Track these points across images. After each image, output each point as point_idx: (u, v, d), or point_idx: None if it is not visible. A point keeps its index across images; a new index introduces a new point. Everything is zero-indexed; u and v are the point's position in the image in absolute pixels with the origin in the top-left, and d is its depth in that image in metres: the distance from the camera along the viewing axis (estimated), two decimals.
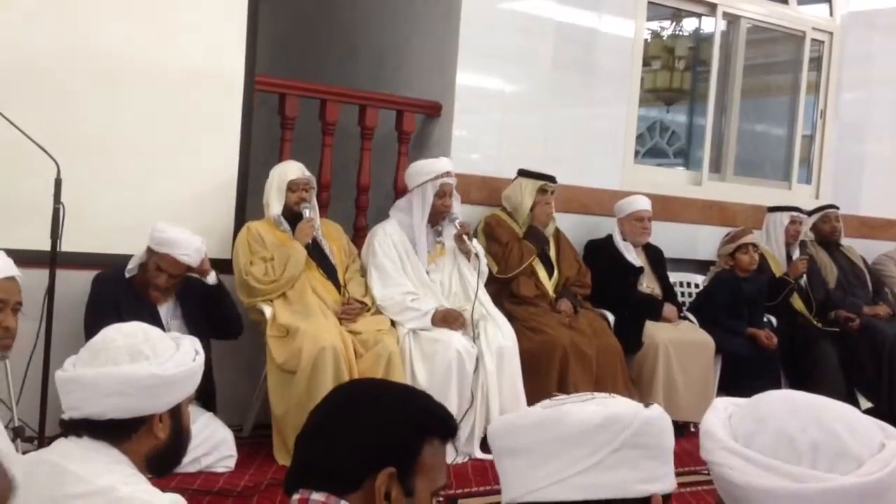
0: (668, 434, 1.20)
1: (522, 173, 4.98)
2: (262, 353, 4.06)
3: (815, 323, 5.63)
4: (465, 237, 4.48)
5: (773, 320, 5.54)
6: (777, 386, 5.37)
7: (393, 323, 4.26)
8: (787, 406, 1.13)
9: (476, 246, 4.56)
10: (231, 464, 3.74)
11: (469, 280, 4.54)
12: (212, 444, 3.68)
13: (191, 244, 3.75)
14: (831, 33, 6.58)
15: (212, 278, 3.92)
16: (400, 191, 5.03)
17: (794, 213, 5.83)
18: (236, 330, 4.04)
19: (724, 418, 1.16)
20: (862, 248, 6.34)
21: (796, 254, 5.79)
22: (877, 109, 6.80)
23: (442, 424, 1.43)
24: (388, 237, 4.46)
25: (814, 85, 6.65)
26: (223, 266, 4.26)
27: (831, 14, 6.60)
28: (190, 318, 3.84)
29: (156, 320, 3.56)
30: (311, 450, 1.41)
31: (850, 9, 6.59)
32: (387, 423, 1.38)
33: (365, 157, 5.00)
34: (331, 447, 1.38)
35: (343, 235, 4.56)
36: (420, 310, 4.29)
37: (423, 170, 4.51)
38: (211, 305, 3.92)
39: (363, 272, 4.46)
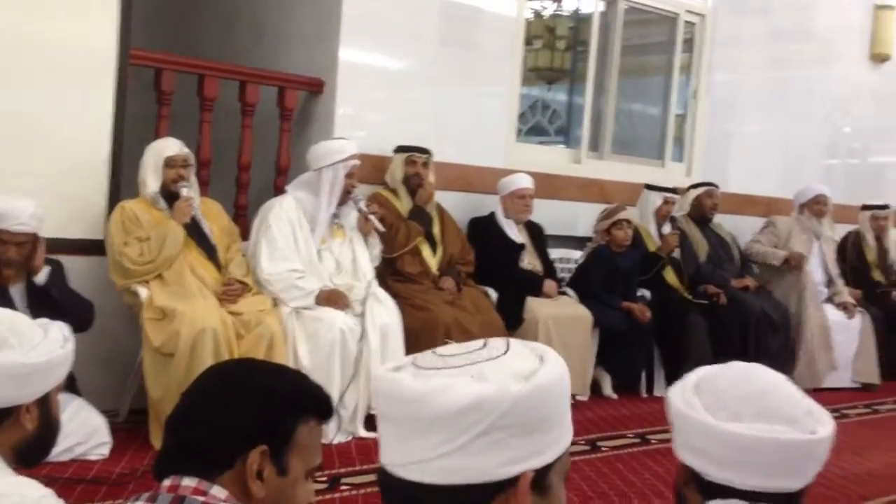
0: (551, 403, 1.10)
1: (397, 149, 5.02)
2: (138, 335, 3.96)
3: (686, 296, 5.86)
4: (372, 217, 4.50)
5: (647, 294, 5.75)
6: (650, 357, 5.59)
7: (275, 303, 4.22)
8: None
9: (381, 226, 4.58)
10: (105, 451, 3.64)
11: (361, 262, 4.54)
12: (85, 432, 3.56)
13: (23, 211, 3.52)
14: (703, 16, 6.81)
15: (41, 277, 3.63)
16: (282, 169, 4.97)
17: (668, 195, 6.03)
18: (84, 326, 3.66)
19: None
20: (730, 224, 6.62)
21: (667, 229, 6.00)
22: (745, 90, 7.09)
23: (318, 404, 1.43)
24: (283, 212, 4.42)
25: (687, 66, 6.87)
26: (96, 247, 4.14)
27: None
28: (43, 301, 3.58)
29: (7, 303, 3.37)
30: (180, 433, 1.39)
31: None
32: (259, 402, 1.37)
33: (246, 135, 4.92)
34: (201, 429, 1.36)
35: (224, 214, 4.48)
36: (305, 289, 4.26)
37: (336, 150, 4.49)
38: (47, 306, 3.42)
39: (244, 252, 4.40)
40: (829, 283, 6.69)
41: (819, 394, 6.10)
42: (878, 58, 7.82)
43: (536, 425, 1.08)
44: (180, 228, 4.07)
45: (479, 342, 1.14)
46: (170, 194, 4.17)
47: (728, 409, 1.31)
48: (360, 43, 5.12)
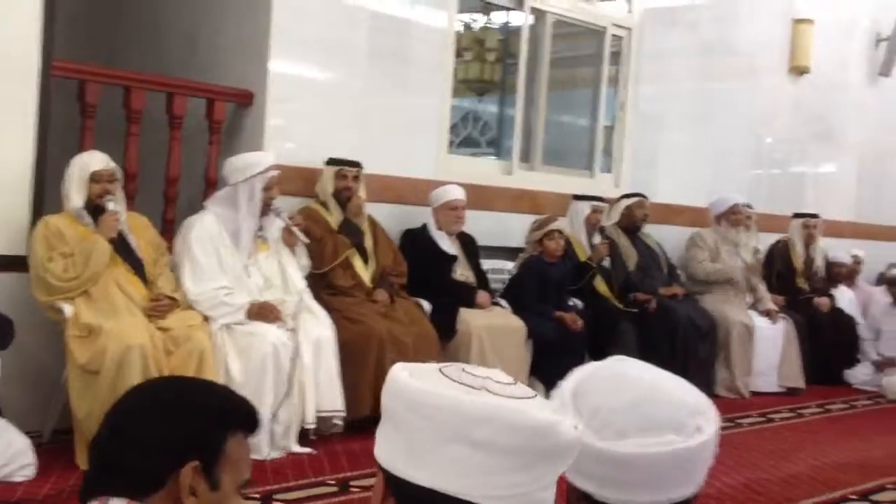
0: None
1: (328, 162, 5.00)
2: (62, 353, 3.86)
3: (617, 305, 5.95)
4: (295, 229, 4.44)
5: (579, 303, 5.81)
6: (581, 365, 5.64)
7: (205, 318, 4.16)
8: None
9: (305, 238, 4.53)
10: (30, 472, 3.54)
11: (290, 273, 4.49)
12: (9, 453, 3.46)
13: None
14: (630, 29, 6.92)
15: None
16: (212, 182, 4.91)
17: (596, 203, 6.15)
18: (2, 344, 3.57)
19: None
20: (657, 234, 6.74)
21: (597, 239, 6.09)
22: (671, 102, 7.22)
23: (245, 417, 1.42)
24: (204, 230, 4.35)
25: (614, 78, 6.98)
26: (18, 263, 4.03)
27: (630, 10, 6.95)
28: None
29: None
30: (107, 454, 1.37)
31: (647, 6, 6.96)
32: (186, 417, 1.36)
33: (174, 147, 4.85)
34: (129, 447, 1.35)
35: (151, 228, 4.39)
36: (233, 304, 4.21)
37: (252, 164, 4.43)
38: None
39: (173, 266, 4.32)
40: (751, 289, 6.87)
41: (744, 399, 6.25)
42: (798, 70, 8.06)
43: None
44: (106, 243, 3.98)
45: (508, 377, 1.12)
46: (95, 208, 4.08)
47: (612, 427, 1.23)
48: (290, 54, 5.09)
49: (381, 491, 1.08)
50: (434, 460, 1.03)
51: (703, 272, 6.66)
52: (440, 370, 1.09)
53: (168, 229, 4.73)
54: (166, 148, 4.84)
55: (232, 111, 5.07)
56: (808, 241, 7.43)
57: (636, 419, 1.22)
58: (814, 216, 7.48)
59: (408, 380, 1.07)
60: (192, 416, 1.37)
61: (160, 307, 4.03)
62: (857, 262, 8.17)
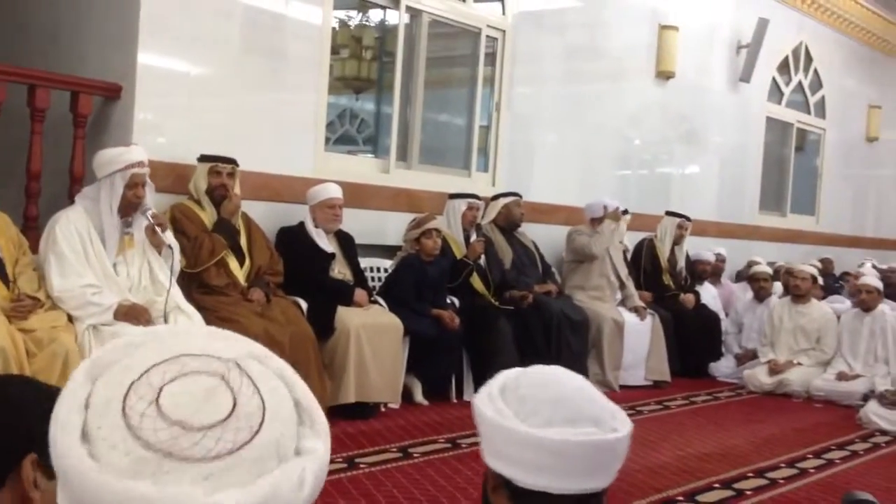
0: None
1: (201, 158, 4.88)
2: None
3: (493, 302, 6.04)
4: (157, 229, 4.29)
5: (456, 301, 5.87)
6: (459, 363, 5.71)
7: (70, 318, 4.00)
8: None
9: (170, 238, 4.39)
10: None
11: (159, 275, 4.35)
12: None
13: None
14: (504, 31, 7.03)
15: None
16: (77, 177, 4.72)
17: (471, 200, 6.24)
18: None
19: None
20: (533, 232, 6.88)
21: (474, 237, 6.18)
22: (543, 103, 7.38)
23: None
24: (71, 224, 4.17)
25: (490, 78, 7.08)
26: None
27: (504, 13, 7.05)
28: None
29: None
30: None
31: (520, 9, 7.09)
32: (20, 411, 1.33)
33: (35, 142, 4.64)
34: None
35: (11, 226, 4.18)
36: (102, 304, 4.06)
37: (113, 159, 4.25)
38: None
39: (35, 265, 4.13)
40: (621, 286, 7.10)
41: (614, 392, 6.45)
42: (664, 75, 8.36)
43: None
44: None
45: (216, 409, 0.78)
46: None
47: (540, 415, 1.31)
48: (161, 47, 4.95)
49: None
50: None
51: (581, 243, 6.83)
52: (126, 416, 0.77)
53: (30, 227, 4.53)
54: (28, 142, 4.63)
55: (99, 105, 4.89)
56: (678, 241, 7.72)
57: (562, 411, 1.32)
58: (687, 218, 7.76)
59: (94, 474, 0.75)
60: (24, 409, 1.33)
61: (21, 307, 3.85)
62: (721, 259, 8.55)
